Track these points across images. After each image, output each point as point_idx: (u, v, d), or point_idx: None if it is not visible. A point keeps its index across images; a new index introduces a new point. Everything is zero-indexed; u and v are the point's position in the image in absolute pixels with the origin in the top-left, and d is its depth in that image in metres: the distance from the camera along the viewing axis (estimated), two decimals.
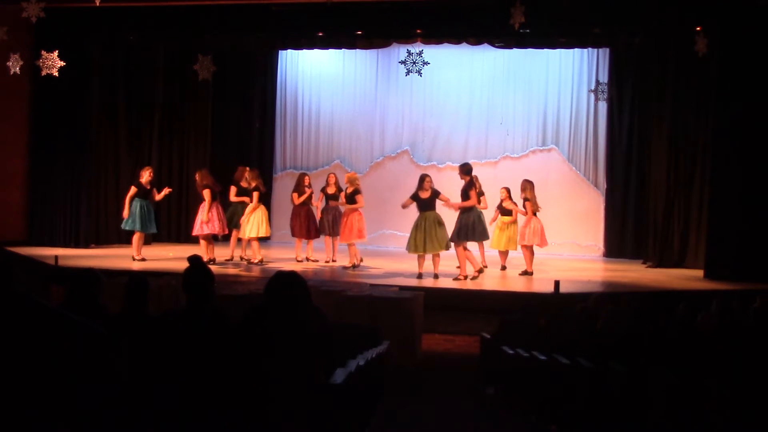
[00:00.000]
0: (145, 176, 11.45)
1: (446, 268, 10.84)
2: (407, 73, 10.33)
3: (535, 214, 11.19)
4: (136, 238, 11.46)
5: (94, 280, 4.73)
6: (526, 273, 11.09)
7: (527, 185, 11.29)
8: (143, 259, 11.34)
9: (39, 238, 13.17)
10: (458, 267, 10.56)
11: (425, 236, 10.22)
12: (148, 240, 11.77)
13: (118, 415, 3.05)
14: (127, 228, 11.54)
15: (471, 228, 10.26)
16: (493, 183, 12.74)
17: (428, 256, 10.43)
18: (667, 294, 9.81)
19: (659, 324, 5.60)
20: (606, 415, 4.39)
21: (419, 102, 14.95)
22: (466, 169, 10.41)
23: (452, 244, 10.32)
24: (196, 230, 11.21)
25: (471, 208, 10.28)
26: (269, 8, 11.77)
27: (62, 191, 13.17)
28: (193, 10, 12.02)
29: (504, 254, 11.65)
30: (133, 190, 11.36)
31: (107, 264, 10.75)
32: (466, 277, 10.33)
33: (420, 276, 10.33)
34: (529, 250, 11.19)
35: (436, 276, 10.34)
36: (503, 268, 11.53)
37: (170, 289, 8.23)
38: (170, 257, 11.65)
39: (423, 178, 10.35)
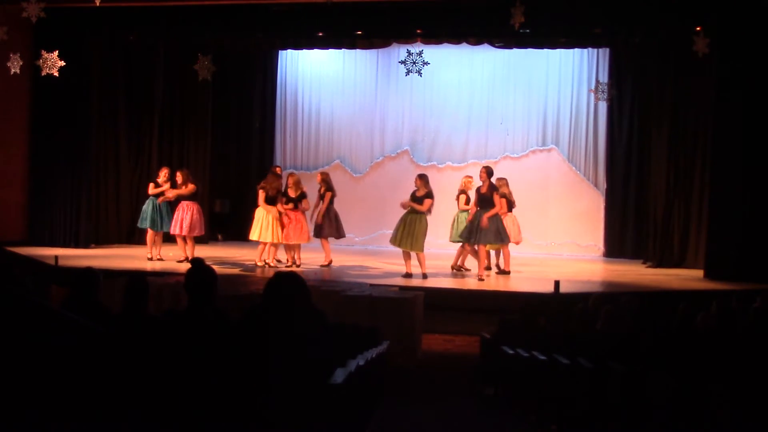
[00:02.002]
0: (162, 176, 11.51)
1: (445, 269, 10.89)
2: (407, 73, 10.32)
3: (510, 211, 11.14)
4: (150, 236, 11.51)
5: (93, 280, 4.75)
6: (503, 272, 11.00)
7: (502, 182, 11.22)
8: (161, 259, 11.38)
9: (39, 238, 13.17)
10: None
11: (402, 232, 10.36)
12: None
13: (117, 414, 3.05)
14: (140, 226, 11.66)
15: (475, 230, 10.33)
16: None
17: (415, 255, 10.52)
18: (667, 294, 9.80)
19: (659, 324, 5.60)
20: (606, 415, 4.39)
21: (419, 102, 14.96)
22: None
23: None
24: (197, 230, 11.23)
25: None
26: (269, 8, 11.77)
27: (62, 191, 13.17)
28: (193, 10, 12.02)
29: (497, 254, 11.52)
30: (151, 185, 11.46)
31: (107, 264, 10.75)
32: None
33: (408, 275, 10.41)
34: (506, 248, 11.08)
35: (424, 276, 10.35)
36: (489, 267, 11.35)
37: (170, 289, 8.23)
38: (170, 257, 11.64)
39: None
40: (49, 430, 2.94)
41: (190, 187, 11.30)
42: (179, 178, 11.40)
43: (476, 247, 10.51)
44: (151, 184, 11.55)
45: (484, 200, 10.38)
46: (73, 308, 4.39)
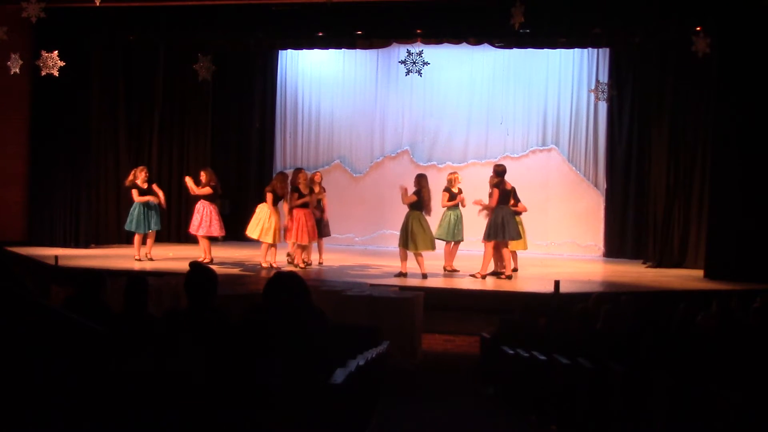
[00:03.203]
0: (141, 177, 11.40)
1: (438, 269, 10.93)
2: (407, 73, 10.34)
3: None
4: (136, 239, 11.47)
5: (99, 282, 4.78)
6: (501, 274, 10.97)
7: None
8: (140, 260, 11.35)
9: (39, 238, 13.16)
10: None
11: (401, 234, 10.50)
12: (158, 238, 11.79)
13: (117, 414, 3.05)
14: (127, 229, 11.57)
15: (501, 226, 10.34)
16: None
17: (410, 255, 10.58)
18: (667, 294, 9.80)
19: (659, 324, 5.60)
20: (606, 415, 4.39)
21: (419, 102, 14.94)
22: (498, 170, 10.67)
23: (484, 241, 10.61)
24: (203, 231, 11.20)
25: (497, 207, 10.40)
26: (269, 8, 11.77)
27: (62, 191, 13.15)
28: (193, 10, 12.02)
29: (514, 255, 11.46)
30: (135, 193, 11.33)
31: (107, 264, 10.76)
32: (484, 276, 10.53)
33: (401, 275, 10.47)
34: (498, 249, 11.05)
35: (423, 276, 10.37)
36: (515, 270, 11.29)
37: (170, 289, 8.23)
38: (170, 257, 11.64)
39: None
40: (49, 430, 2.94)
41: (206, 189, 11.24)
42: (203, 177, 11.34)
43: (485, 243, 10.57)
44: (135, 191, 11.30)
45: (503, 198, 10.45)
46: (75, 308, 4.40)
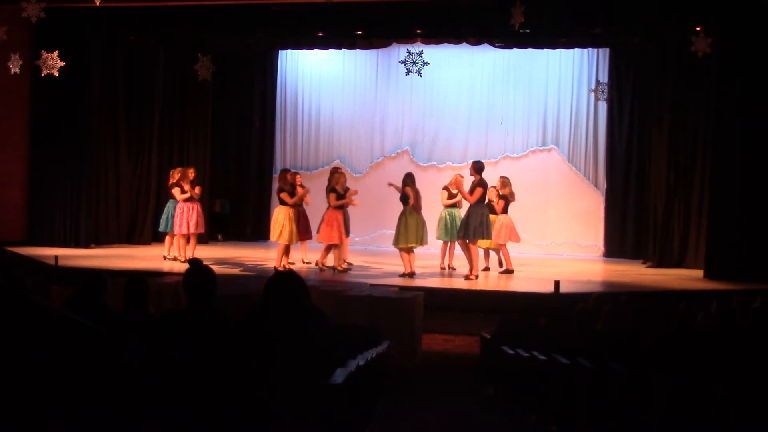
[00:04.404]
0: (177, 177, 11.36)
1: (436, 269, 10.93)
2: (407, 73, 10.34)
3: (506, 212, 11.13)
4: (169, 238, 11.46)
5: (100, 283, 4.79)
6: (507, 271, 11.04)
7: (507, 181, 11.19)
8: (184, 259, 11.31)
9: (39, 238, 13.15)
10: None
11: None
12: (158, 238, 11.79)
13: (118, 414, 3.05)
14: (166, 230, 11.48)
15: (480, 226, 10.33)
16: (493, 183, 12.71)
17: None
18: (667, 294, 9.80)
19: (659, 324, 5.60)
20: (606, 415, 4.39)
21: (419, 102, 14.96)
22: (477, 167, 10.54)
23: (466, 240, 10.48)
24: (198, 228, 11.21)
25: (478, 205, 10.34)
26: (269, 8, 11.77)
27: (62, 191, 13.15)
28: (193, 10, 12.01)
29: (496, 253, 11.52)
30: (178, 191, 11.29)
31: (107, 264, 10.75)
32: (477, 276, 10.52)
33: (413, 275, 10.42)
34: (505, 248, 11.12)
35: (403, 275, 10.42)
36: (486, 269, 11.41)
37: (170, 289, 8.23)
38: (170, 257, 11.63)
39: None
40: (50, 429, 2.94)
41: (198, 188, 11.33)
42: (177, 176, 11.35)
43: (468, 243, 10.47)
44: (178, 189, 11.28)
45: (483, 197, 10.43)
46: (76, 308, 4.40)
